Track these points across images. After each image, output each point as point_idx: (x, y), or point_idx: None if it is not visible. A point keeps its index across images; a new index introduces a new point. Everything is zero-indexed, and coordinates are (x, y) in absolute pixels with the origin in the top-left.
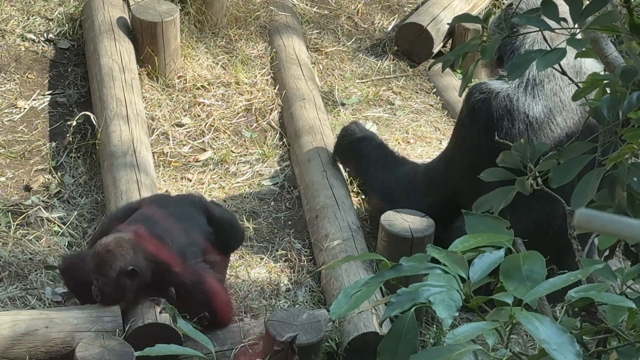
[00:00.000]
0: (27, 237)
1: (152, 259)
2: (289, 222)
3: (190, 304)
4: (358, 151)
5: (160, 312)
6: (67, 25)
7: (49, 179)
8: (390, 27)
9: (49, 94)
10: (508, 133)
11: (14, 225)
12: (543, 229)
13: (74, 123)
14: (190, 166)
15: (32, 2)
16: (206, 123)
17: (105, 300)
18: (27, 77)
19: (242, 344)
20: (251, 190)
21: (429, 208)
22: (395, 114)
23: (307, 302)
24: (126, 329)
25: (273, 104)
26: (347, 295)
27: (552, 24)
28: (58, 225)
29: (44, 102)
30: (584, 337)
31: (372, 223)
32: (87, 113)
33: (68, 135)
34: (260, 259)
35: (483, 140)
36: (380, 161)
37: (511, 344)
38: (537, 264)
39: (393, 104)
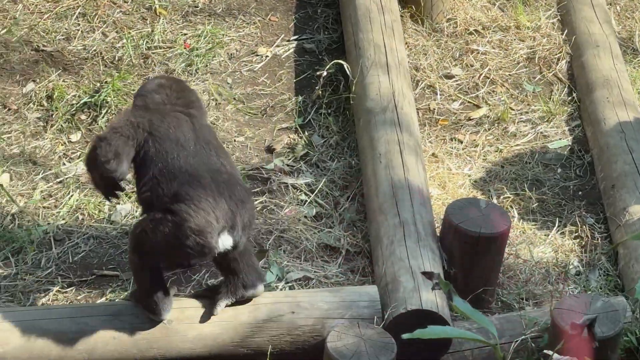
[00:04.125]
0: (268, 207)
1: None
2: (580, 193)
3: None
4: None
5: (432, 288)
6: None
7: (294, 139)
8: None
9: (295, 40)
10: None
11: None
12: None
13: (324, 73)
14: (462, 125)
15: None
16: (480, 74)
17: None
18: (269, 19)
19: (522, 336)
20: (534, 154)
21: None
22: None
23: (601, 288)
24: (385, 316)
25: (560, 52)
26: None
27: None
28: (305, 192)
29: (289, 49)
30: None
31: None
32: (340, 62)
33: (317, 88)
34: (545, 235)
35: None
36: None
37: None
38: None
39: None
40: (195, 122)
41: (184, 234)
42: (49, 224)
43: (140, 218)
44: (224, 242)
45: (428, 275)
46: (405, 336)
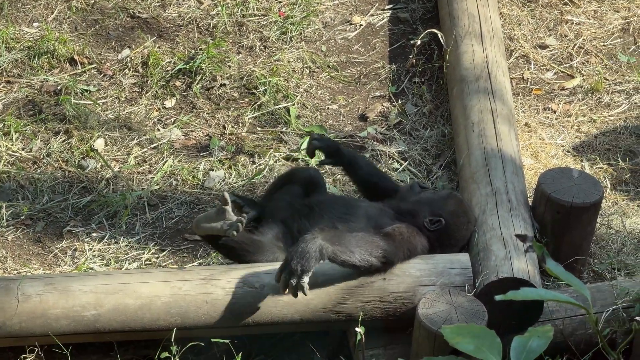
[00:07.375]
0: None
1: None
2: None
3: None
4: None
5: (526, 251)
6: None
7: (387, 108)
8: None
9: (389, 9)
10: None
11: None
12: None
13: (418, 42)
14: (555, 95)
15: None
16: (574, 45)
17: None
18: None
19: (614, 306)
20: (627, 125)
21: None
22: None
23: None
24: (477, 284)
25: None
26: None
27: None
28: (398, 161)
29: (383, 18)
30: None
31: None
32: (434, 31)
33: (411, 56)
34: (638, 206)
35: None
36: None
37: None
38: None
39: None
40: None
41: None
42: (143, 189)
43: None
44: None
45: (522, 237)
46: (498, 297)
